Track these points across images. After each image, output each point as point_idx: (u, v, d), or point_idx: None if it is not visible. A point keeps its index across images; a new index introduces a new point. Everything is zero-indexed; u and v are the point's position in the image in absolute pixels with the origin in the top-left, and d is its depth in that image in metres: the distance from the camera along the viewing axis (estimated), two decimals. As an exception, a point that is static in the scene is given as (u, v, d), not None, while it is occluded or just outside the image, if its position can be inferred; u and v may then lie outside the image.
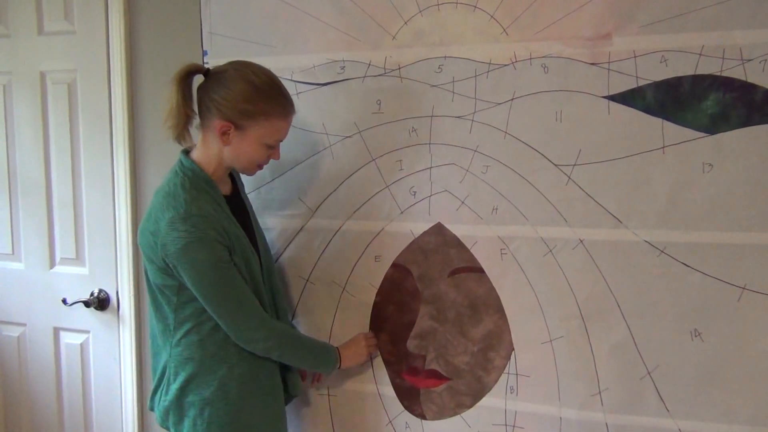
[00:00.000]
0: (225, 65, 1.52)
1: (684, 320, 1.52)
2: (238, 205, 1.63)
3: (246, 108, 1.46)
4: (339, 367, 1.69)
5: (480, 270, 1.68)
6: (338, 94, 1.77)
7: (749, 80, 1.44)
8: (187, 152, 1.56)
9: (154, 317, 1.58)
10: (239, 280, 1.49)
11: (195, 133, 1.56)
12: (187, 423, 1.55)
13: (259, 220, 1.74)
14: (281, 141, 1.57)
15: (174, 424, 1.58)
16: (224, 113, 1.46)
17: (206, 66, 1.51)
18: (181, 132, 1.50)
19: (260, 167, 1.59)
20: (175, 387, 1.55)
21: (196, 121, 1.53)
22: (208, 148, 1.52)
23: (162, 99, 1.45)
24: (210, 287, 1.46)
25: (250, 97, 1.46)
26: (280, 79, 1.52)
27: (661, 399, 1.55)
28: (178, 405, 1.55)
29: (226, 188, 1.60)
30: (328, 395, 1.85)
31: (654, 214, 1.53)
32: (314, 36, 1.78)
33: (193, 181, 1.49)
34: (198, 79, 1.53)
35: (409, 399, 1.77)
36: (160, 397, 1.60)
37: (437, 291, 1.72)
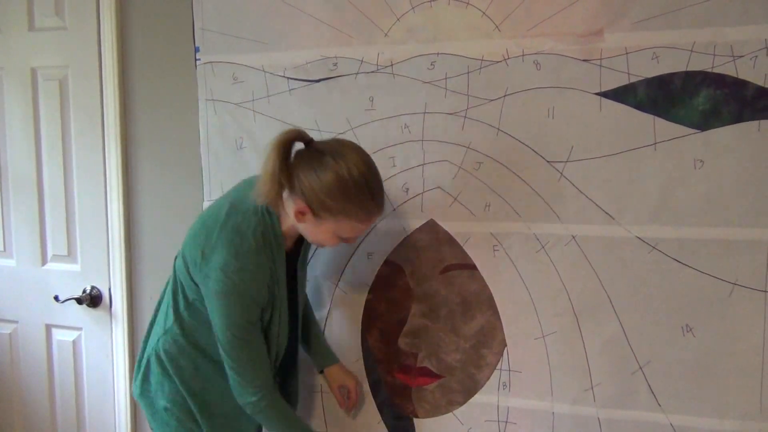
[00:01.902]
0: (328, 143, 1.43)
1: (676, 316, 1.53)
2: (295, 255, 1.60)
3: (328, 203, 1.37)
4: None
5: (472, 267, 1.68)
6: (331, 91, 1.77)
7: (740, 77, 1.44)
8: None
9: (167, 294, 1.60)
10: (259, 342, 1.49)
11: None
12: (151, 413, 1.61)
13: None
14: (357, 237, 1.51)
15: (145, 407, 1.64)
16: (307, 197, 1.38)
17: (310, 136, 1.44)
18: (274, 198, 1.42)
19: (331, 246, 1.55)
20: (142, 371, 1.60)
21: None
22: (287, 210, 1.46)
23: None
24: (229, 338, 1.45)
25: (336, 194, 1.36)
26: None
27: (653, 394, 1.56)
28: (144, 393, 1.60)
29: (290, 241, 1.55)
30: (321, 393, 1.85)
31: (646, 211, 1.53)
32: (306, 32, 1.78)
33: (265, 232, 1.45)
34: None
35: (401, 397, 1.77)
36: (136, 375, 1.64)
37: (429, 288, 1.72)
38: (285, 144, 1.39)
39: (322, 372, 1.78)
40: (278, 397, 1.54)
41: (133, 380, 1.66)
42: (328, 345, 1.80)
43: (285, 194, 1.43)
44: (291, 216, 1.44)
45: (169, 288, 1.60)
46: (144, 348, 1.64)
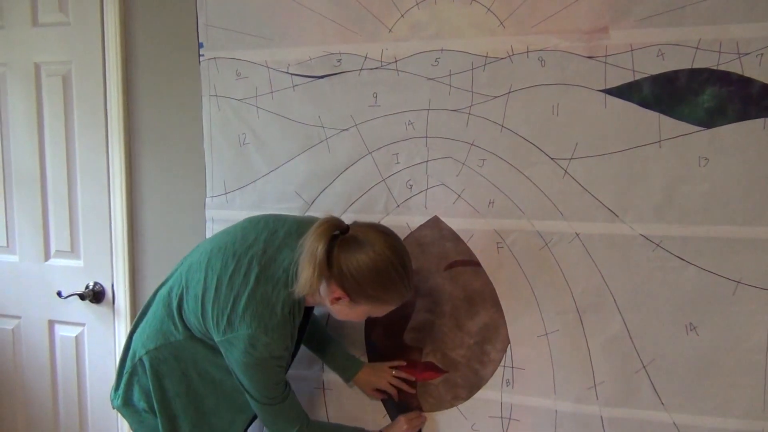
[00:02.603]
0: (364, 231, 1.42)
1: (679, 314, 1.53)
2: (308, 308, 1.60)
3: (367, 292, 1.40)
4: None
5: (476, 263, 1.68)
6: (334, 87, 1.76)
7: (746, 74, 1.44)
8: None
9: (160, 313, 1.57)
10: (287, 391, 1.52)
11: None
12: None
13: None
14: None
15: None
16: (344, 285, 1.39)
17: (347, 224, 1.45)
18: (313, 291, 1.41)
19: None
20: (125, 380, 1.59)
21: None
22: (321, 293, 1.45)
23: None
24: (261, 399, 1.49)
25: (375, 284, 1.39)
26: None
27: (656, 392, 1.56)
28: (127, 403, 1.60)
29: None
30: (323, 389, 1.85)
31: (650, 208, 1.53)
32: (310, 28, 1.77)
33: (293, 308, 1.45)
34: None
35: (406, 391, 1.77)
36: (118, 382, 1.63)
37: (434, 284, 1.72)
38: (328, 235, 1.39)
39: (350, 382, 1.78)
40: (314, 422, 1.60)
41: (114, 389, 1.64)
42: (347, 353, 1.78)
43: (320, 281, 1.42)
44: (324, 299, 1.45)
45: (163, 309, 1.57)
46: (126, 354, 1.62)
